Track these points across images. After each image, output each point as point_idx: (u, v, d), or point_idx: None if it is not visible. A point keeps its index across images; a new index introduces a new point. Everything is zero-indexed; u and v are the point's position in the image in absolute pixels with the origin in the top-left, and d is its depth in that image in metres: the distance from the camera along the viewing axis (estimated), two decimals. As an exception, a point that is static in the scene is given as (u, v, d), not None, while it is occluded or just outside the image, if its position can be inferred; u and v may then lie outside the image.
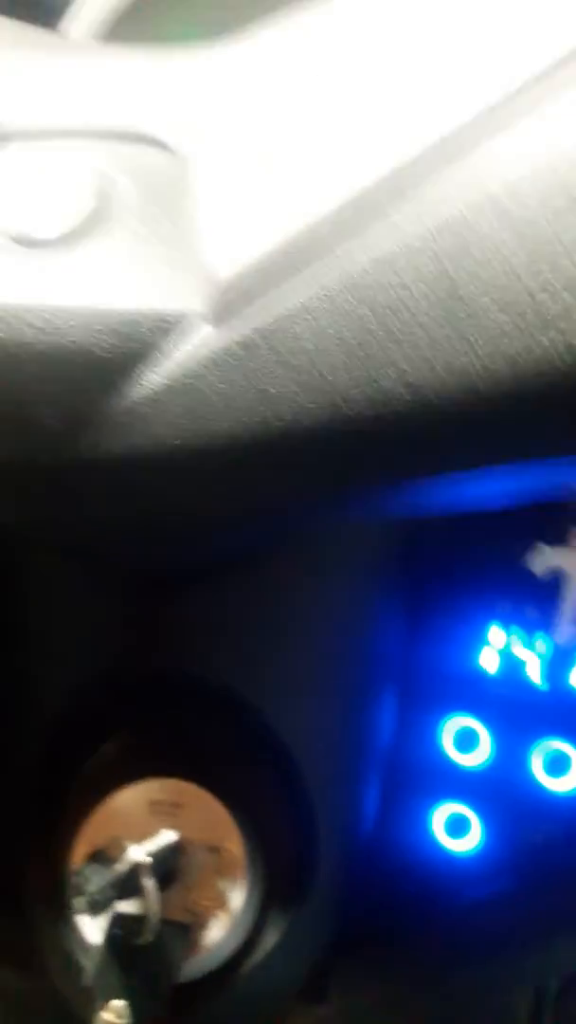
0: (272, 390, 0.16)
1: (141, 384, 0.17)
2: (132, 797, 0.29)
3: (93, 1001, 0.25)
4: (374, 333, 0.14)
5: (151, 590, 0.27)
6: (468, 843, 0.30)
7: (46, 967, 0.27)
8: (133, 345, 0.17)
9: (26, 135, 0.19)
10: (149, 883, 0.26)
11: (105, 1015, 0.25)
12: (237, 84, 0.18)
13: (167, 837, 0.27)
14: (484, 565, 0.28)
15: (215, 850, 0.28)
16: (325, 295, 0.15)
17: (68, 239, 0.17)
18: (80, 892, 0.26)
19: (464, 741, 0.30)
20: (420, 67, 0.16)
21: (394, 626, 0.29)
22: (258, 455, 0.16)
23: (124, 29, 0.40)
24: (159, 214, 0.18)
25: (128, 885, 0.26)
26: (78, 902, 0.26)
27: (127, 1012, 0.25)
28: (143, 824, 0.28)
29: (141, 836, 0.28)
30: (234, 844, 0.29)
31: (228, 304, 0.16)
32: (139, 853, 0.26)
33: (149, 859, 0.26)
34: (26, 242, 0.17)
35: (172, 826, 0.28)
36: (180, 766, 0.29)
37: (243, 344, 0.16)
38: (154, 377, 0.17)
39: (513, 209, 0.14)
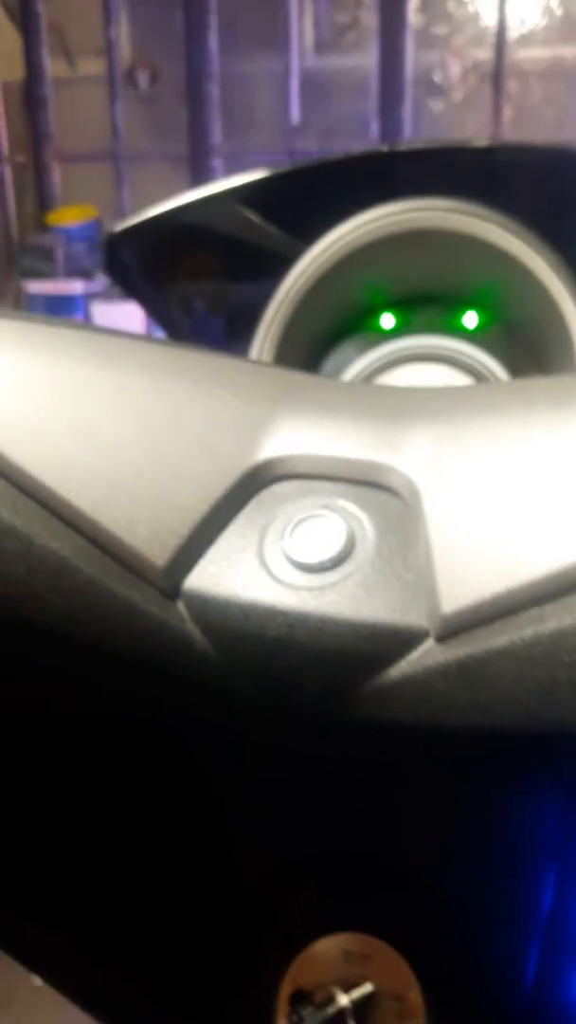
0: (481, 699, 0.22)
1: (381, 677, 0.23)
2: (329, 946, 0.35)
3: None
4: (559, 683, 0.21)
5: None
6: (618, 1008, 0.35)
7: None
8: (375, 649, 0.23)
9: (300, 476, 0.27)
10: (351, 1024, 0.32)
11: None
12: (452, 458, 0.25)
13: (366, 988, 0.33)
14: None
15: (399, 998, 0.34)
16: (523, 643, 0.21)
17: (328, 565, 0.25)
18: (295, 1027, 0.32)
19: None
20: None
21: (556, 810, 0.35)
22: (467, 742, 0.23)
23: (330, 281, 0.49)
24: (393, 549, 0.25)
25: (333, 1024, 0.32)
26: (292, 1036, 0.32)
27: None
28: (338, 970, 0.35)
29: (337, 980, 0.34)
30: (414, 994, 0.34)
31: (449, 629, 0.23)
32: (345, 1000, 0.32)
33: (351, 1005, 0.32)
34: (301, 567, 0.25)
35: (363, 974, 0.34)
36: (369, 924, 0.35)
37: (459, 663, 0.22)
38: (392, 673, 0.23)
39: None
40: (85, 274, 3.54)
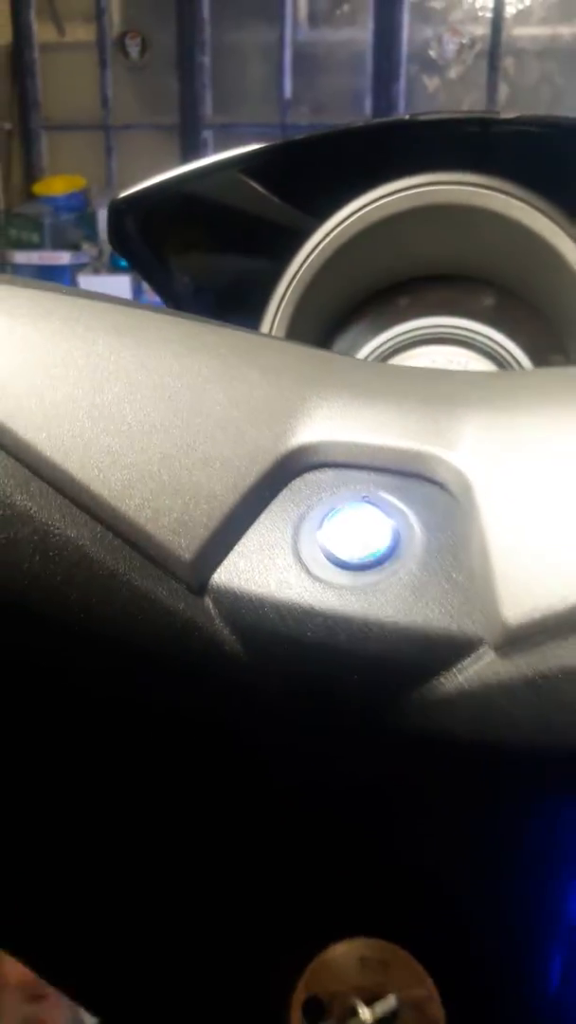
0: (553, 719, 0.20)
1: (433, 688, 0.22)
2: (345, 952, 0.33)
3: None
4: None
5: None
6: None
7: None
8: (426, 656, 0.22)
9: (337, 464, 0.25)
10: (372, 1038, 0.31)
11: None
12: (506, 449, 0.24)
13: (389, 1002, 0.32)
14: None
15: (419, 1009, 0.33)
16: None
17: (371, 563, 0.23)
18: (314, 1040, 0.31)
19: None
20: None
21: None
22: (527, 761, 0.21)
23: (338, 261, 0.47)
24: (443, 547, 0.23)
25: (353, 1037, 0.31)
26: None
27: None
28: (354, 977, 0.33)
29: (353, 988, 0.32)
30: (435, 1005, 0.33)
31: (513, 642, 0.21)
32: (367, 1013, 0.31)
33: (371, 1019, 0.31)
34: (341, 564, 0.23)
35: (380, 982, 0.33)
36: (388, 930, 0.33)
37: (524, 679, 0.20)
38: (444, 684, 0.21)
39: None
40: (72, 245, 3.49)
